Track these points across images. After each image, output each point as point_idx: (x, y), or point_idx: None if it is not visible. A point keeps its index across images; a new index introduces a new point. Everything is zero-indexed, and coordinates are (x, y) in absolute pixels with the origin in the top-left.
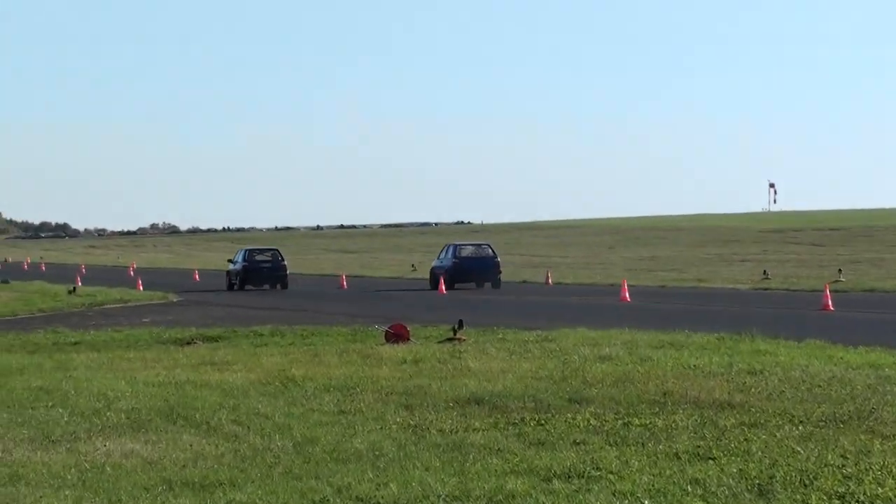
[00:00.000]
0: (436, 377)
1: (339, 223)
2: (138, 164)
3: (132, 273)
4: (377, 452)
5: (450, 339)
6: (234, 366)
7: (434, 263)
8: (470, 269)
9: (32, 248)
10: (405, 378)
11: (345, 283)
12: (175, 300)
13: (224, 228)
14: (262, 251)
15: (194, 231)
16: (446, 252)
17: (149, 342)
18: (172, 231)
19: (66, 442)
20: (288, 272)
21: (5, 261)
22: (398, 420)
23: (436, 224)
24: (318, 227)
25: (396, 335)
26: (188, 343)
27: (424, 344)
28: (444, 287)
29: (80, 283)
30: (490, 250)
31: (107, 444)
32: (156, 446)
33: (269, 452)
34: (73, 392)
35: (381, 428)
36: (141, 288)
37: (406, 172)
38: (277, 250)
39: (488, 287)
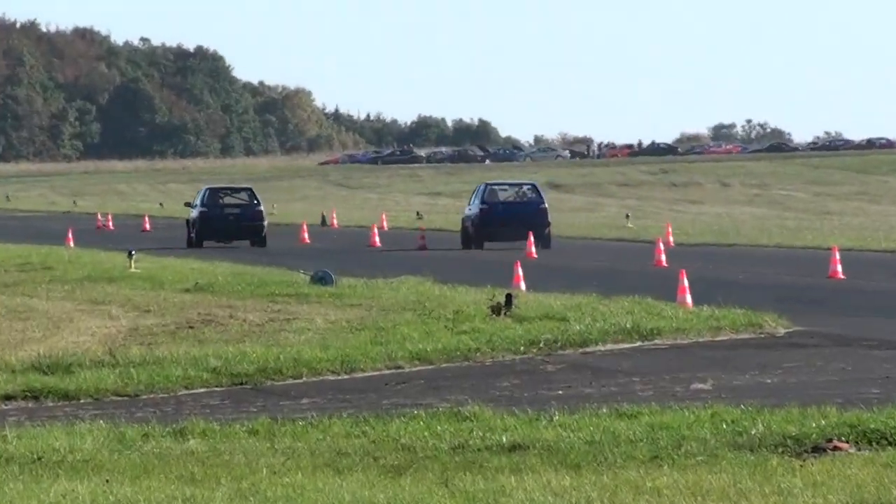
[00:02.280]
0: None
1: None
2: None
3: (662, 251)
4: None
5: None
6: None
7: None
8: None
9: (394, 182)
10: None
11: None
12: (783, 332)
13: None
14: (230, 191)
15: (828, 144)
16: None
17: (718, 447)
18: (774, 146)
19: None
20: (266, 222)
21: (323, 220)
22: None
23: None
24: None
25: None
26: (818, 449)
27: None
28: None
29: (522, 285)
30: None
31: None
32: None
33: None
34: None
35: None
36: (688, 299)
37: None
38: (251, 189)
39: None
